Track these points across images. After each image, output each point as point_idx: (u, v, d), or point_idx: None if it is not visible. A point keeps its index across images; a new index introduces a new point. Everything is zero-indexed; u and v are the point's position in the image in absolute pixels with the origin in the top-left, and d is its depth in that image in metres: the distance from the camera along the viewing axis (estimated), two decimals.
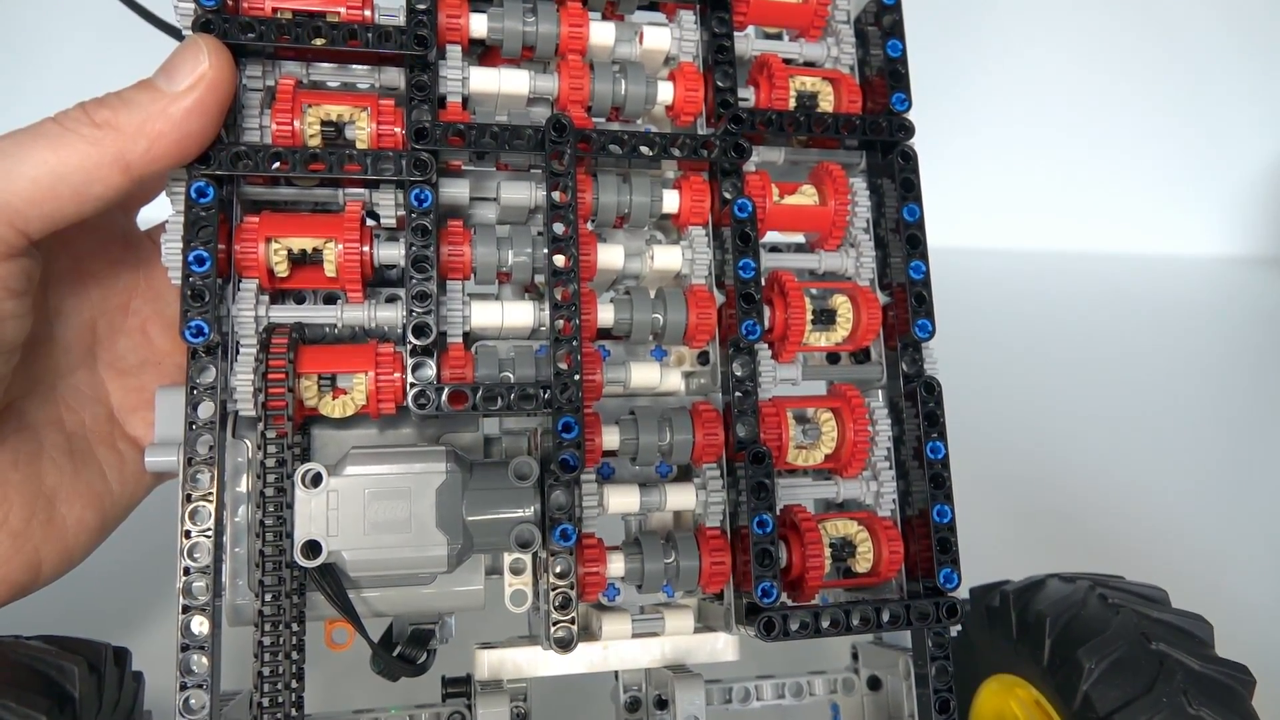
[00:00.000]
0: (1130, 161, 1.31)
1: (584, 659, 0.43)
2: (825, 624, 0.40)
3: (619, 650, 0.43)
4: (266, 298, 0.40)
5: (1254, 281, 1.31)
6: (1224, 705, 0.41)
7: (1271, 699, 0.45)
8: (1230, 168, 1.36)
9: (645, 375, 0.44)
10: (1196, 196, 1.34)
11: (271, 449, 0.37)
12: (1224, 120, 1.34)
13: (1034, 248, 1.25)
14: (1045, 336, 1.10)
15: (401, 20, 0.40)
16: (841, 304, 0.45)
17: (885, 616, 0.41)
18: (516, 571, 0.41)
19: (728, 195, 0.43)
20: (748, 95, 0.46)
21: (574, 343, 0.39)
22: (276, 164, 0.38)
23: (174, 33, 0.43)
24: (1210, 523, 0.88)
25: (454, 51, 0.42)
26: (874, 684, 0.50)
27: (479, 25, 0.43)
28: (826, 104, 0.46)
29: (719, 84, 0.44)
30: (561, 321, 0.40)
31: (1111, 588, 0.47)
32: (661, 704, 0.45)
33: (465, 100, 0.43)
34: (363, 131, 0.41)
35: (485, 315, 0.41)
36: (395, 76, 0.42)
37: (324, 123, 0.40)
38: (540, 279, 0.42)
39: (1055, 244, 1.27)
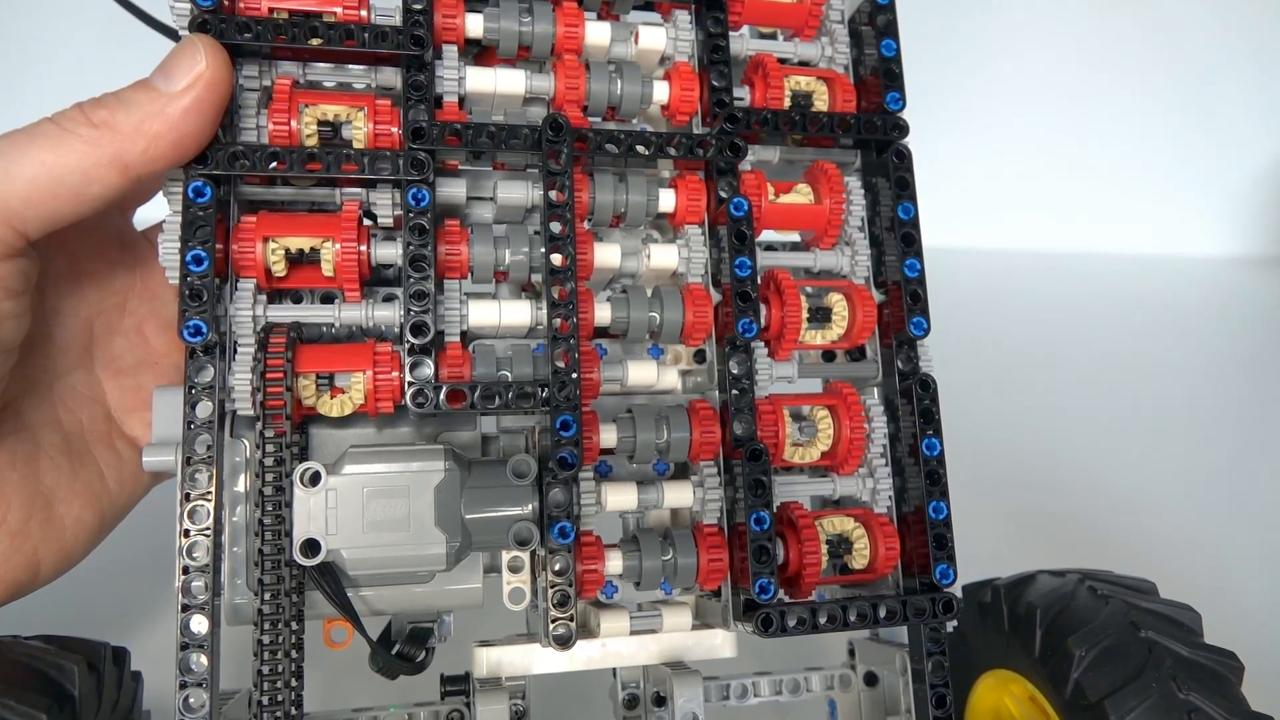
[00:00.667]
0: (1130, 161, 1.31)
1: (582, 656, 0.43)
2: (822, 620, 0.40)
3: (617, 647, 0.43)
4: (264, 297, 0.40)
5: (1254, 281, 1.31)
6: (1213, 690, 0.41)
7: (1260, 686, 0.45)
8: (1230, 168, 1.36)
9: (642, 373, 0.44)
10: (1196, 196, 1.35)
11: (270, 448, 0.37)
12: (1224, 120, 1.34)
13: (1034, 248, 1.25)
14: (1043, 336, 1.10)
15: (398, 20, 0.40)
16: (837, 302, 0.45)
17: (882, 612, 0.41)
18: (515, 569, 0.41)
19: (723, 194, 0.44)
20: (743, 95, 0.46)
21: (571, 341, 0.40)
22: (274, 164, 0.39)
23: (170, 33, 0.43)
24: (1207, 523, 0.88)
25: (450, 51, 0.42)
26: (871, 680, 0.50)
27: (475, 25, 0.43)
28: (821, 103, 0.46)
29: (714, 83, 0.44)
30: (559, 320, 0.40)
31: (1101, 580, 0.47)
32: (659, 701, 0.45)
33: (462, 100, 0.43)
34: (359, 131, 0.41)
35: (483, 314, 0.42)
36: (392, 76, 0.42)
37: (321, 122, 0.40)
38: (537, 278, 0.42)
39: (1055, 244, 1.27)
